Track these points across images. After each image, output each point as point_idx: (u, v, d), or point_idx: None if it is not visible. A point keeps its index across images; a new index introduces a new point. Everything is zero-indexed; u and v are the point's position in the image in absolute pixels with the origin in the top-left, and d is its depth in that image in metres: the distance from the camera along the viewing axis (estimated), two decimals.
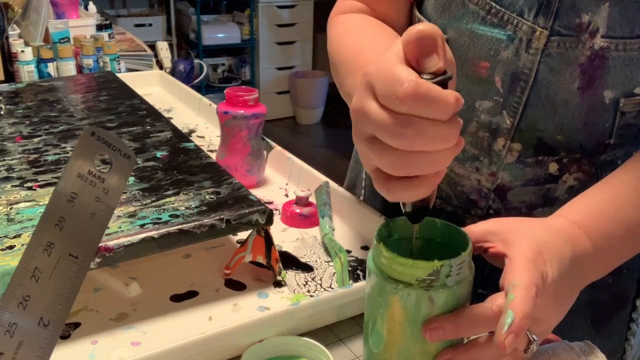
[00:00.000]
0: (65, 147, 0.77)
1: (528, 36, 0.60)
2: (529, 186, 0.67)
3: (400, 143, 0.40)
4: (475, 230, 0.51)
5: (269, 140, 0.89)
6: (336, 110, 4.11)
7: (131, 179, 0.67)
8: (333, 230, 0.70)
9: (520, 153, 0.66)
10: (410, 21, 0.72)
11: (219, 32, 3.95)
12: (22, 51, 1.38)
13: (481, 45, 0.63)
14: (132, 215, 0.60)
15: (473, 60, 0.64)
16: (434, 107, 0.39)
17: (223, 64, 4.15)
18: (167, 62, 2.02)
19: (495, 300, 0.46)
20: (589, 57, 0.60)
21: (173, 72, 2.57)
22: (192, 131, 1.03)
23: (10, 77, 1.39)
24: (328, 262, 0.67)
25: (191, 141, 0.79)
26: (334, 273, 0.64)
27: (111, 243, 0.54)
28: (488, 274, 0.71)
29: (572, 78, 0.61)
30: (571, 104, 0.62)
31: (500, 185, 0.68)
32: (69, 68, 1.43)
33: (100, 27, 1.70)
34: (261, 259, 0.62)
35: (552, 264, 0.48)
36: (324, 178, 0.79)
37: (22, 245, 0.55)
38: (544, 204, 0.68)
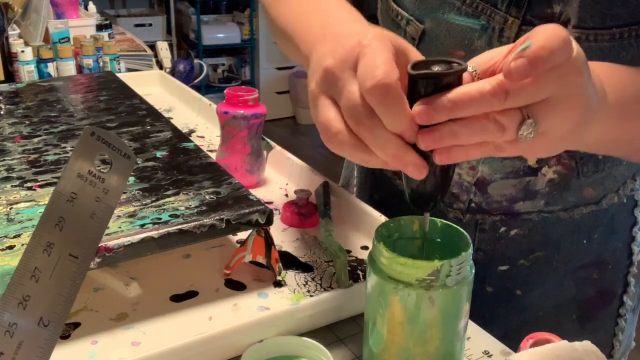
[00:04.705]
0: (65, 147, 0.77)
1: (500, 25, 0.62)
2: (509, 179, 0.68)
3: (352, 124, 0.42)
4: (481, 56, 0.45)
5: (269, 140, 0.89)
6: None
7: (131, 179, 0.67)
8: (333, 230, 0.70)
9: None
10: (386, 12, 0.73)
11: (219, 32, 3.96)
12: (22, 51, 1.38)
13: (456, 34, 0.64)
14: (132, 215, 0.60)
15: (448, 50, 0.65)
16: (388, 109, 0.40)
17: (223, 64, 4.15)
18: (167, 62, 2.02)
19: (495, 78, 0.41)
20: None
21: (173, 72, 2.57)
22: (192, 131, 1.03)
23: (10, 77, 1.39)
24: (328, 262, 0.67)
25: (191, 141, 0.79)
26: (334, 273, 0.64)
27: (111, 243, 0.54)
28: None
29: None
30: None
31: (481, 178, 0.69)
32: (69, 68, 1.43)
33: (100, 27, 1.70)
34: (261, 259, 0.62)
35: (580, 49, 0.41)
36: (324, 178, 0.79)
37: (22, 245, 0.55)
38: (524, 197, 0.69)
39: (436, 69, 0.41)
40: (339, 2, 0.59)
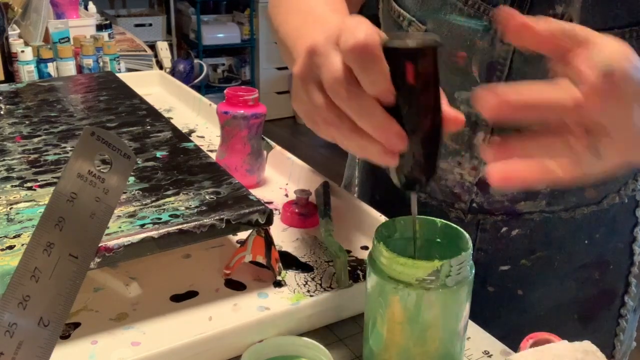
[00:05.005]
0: (65, 147, 0.77)
1: None
2: None
3: (336, 99, 0.42)
4: (554, 27, 0.42)
5: (268, 140, 0.89)
6: None
7: (131, 179, 0.67)
8: (333, 230, 0.70)
9: None
10: (388, 13, 0.73)
11: (219, 32, 3.96)
12: (22, 51, 1.38)
13: (458, 35, 0.64)
14: (132, 215, 0.60)
15: (451, 51, 0.65)
16: (367, 68, 0.40)
17: (223, 64, 4.15)
18: (167, 62, 2.02)
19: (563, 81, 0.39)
20: None
21: (173, 72, 2.57)
22: (192, 131, 1.03)
23: (10, 77, 1.39)
24: (328, 262, 0.67)
25: (191, 141, 0.79)
26: (334, 273, 0.64)
27: (111, 243, 0.54)
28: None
29: (546, 69, 0.61)
30: None
31: (483, 179, 0.69)
32: (69, 68, 1.43)
33: (100, 27, 1.70)
34: (261, 259, 0.62)
35: None
36: (324, 178, 0.79)
37: (22, 245, 0.55)
38: (526, 197, 0.69)
39: (409, 43, 0.41)
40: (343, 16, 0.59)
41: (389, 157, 0.43)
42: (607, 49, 0.39)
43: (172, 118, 1.08)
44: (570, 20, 0.59)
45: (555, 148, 0.40)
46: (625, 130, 0.40)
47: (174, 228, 0.57)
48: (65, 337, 0.55)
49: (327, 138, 0.46)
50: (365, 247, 0.70)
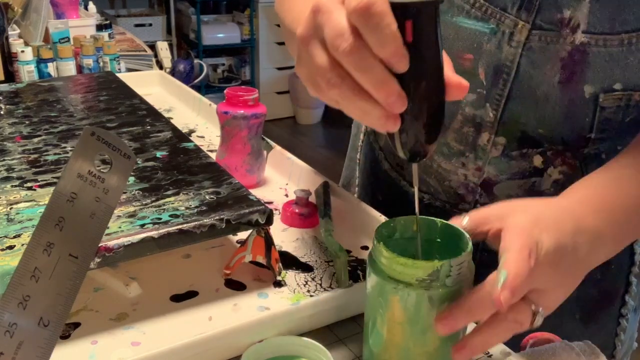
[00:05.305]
0: (65, 147, 0.77)
1: (510, 29, 0.62)
2: (515, 180, 0.68)
3: (337, 53, 0.42)
4: (476, 215, 0.52)
5: (269, 140, 0.89)
6: (336, 110, 4.11)
7: (131, 179, 0.67)
8: (333, 230, 0.70)
9: (504, 147, 0.67)
10: None
11: (219, 32, 3.96)
12: (22, 51, 1.38)
13: (465, 37, 0.64)
14: (132, 215, 0.60)
15: (457, 52, 0.65)
16: (374, 28, 0.40)
17: (223, 64, 4.15)
18: (167, 62, 2.02)
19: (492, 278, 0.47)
20: (569, 52, 0.61)
21: (173, 72, 2.57)
22: (192, 131, 1.03)
23: (10, 77, 1.39)
24: (328, 262, 0.67)
25: (191, 141, 0.79)
26: (334, 273, 0.64)
27: (111, 243, 0.54)
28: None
29: (552, 72, 0.62)
30: (552, 98, 0.63)
31: (487, 179, 0.69)
32: (69, 68, 1.43)
33: (100, 27, 1.70)
34: (261, 259, 0.62)
35: (549, 234, 0.48)
36: (324, 178, 0.79)
37: (22, 245, 0.55)
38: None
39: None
40: None
41: (390, 122, 0.43)
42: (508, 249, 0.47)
43: (172, 118, 1.08)
44: (578, 25, 0.59)
45: (508, 329, 0.47)
46: (554, 287, 0.49)
47: (174, 228, 0.57)
48: (65, 337, 0.55)
49: (330, 103, 0.45)
50: (365, 247, 0.70)
